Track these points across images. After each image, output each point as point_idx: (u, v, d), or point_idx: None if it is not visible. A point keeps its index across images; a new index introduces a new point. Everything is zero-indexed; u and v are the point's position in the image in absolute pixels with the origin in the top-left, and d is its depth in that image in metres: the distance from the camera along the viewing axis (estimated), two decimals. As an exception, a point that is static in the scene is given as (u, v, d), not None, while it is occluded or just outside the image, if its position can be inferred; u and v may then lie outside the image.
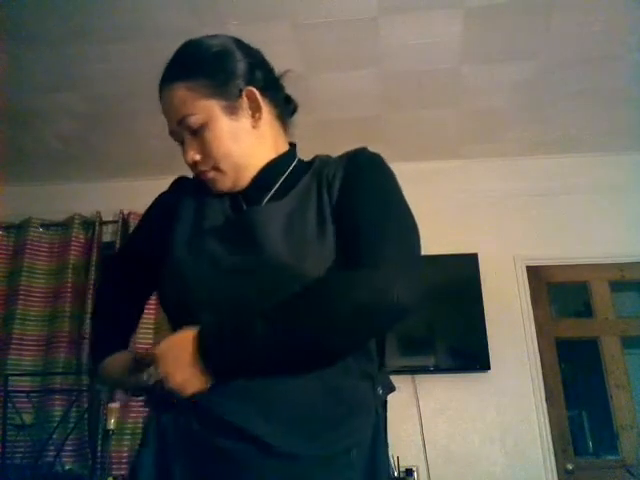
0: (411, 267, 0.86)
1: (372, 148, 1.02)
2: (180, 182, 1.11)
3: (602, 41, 2.67)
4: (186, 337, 0.84)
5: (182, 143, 0.99)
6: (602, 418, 3.23)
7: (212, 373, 0.82)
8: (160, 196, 1.12)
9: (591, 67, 2.84)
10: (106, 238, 3.62)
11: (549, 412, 3.13)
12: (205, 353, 0.82)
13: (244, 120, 0.98)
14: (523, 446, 3.07)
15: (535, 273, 3.42)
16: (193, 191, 1.04)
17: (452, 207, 3.51)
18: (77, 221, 3.61)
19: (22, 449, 3.02)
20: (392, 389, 0.99)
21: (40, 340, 3.39)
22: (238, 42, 1.03)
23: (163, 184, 1.14)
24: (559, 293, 3.54)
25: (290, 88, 1.11)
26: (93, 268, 3.47)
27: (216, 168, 0.97)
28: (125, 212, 3.58)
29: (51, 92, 2.93)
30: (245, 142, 0.98)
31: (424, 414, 3.16)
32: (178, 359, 0.82)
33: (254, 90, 0.98)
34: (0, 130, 3.23)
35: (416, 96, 3.05)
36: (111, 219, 3.64)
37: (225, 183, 0.99)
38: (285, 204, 0.95)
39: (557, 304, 3.55)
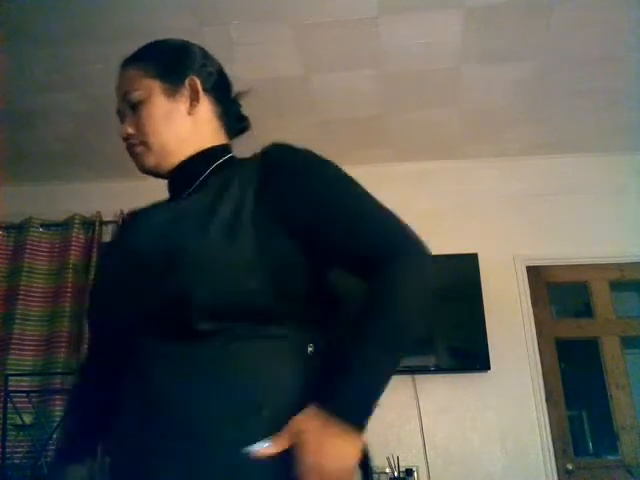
0: (408, 232, 0.93)
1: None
2: (124, 221, 1.18)
3: (602, 41, 2.67)
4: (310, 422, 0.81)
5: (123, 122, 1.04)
6: (602, 418, 3.22)
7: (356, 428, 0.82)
8: (104, 245, 1.22)
9: (591, 67, 2.84)
10: (106, 238, 3.60)
11: (549, 412, 3.13)
12: (345, 420, 0.80)
13: (181, 105, 1.02)
14: (523, 446, 3.07)
15: (535, 273, 3.42)
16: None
17: (452, 207, 3.51)
18: (77, 221, 3.61)
19: (22, 449, 3.02)
20: None
21: (40, 340, 3.39)
22: (203, 50, 1.09)
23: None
24: (559, 293, 3.54)
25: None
26: (93, 268, 3.46)
27: (144, 143, 1.02)
28: (125, 212, 3.58)
29: (51, 92, 2.93)
30: (177, 125, 1.02)
31: (424, 414, 3.16)
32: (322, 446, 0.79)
33: (197, 80, 1.03)
34: (0, 130, 3.23)
35: (416, 96, 3.05)
36: (111, 219, 3.63)
37: (149, 160, 1.04)
38: (194, 200, 0.98)
39: (557, 304, 3.54)
